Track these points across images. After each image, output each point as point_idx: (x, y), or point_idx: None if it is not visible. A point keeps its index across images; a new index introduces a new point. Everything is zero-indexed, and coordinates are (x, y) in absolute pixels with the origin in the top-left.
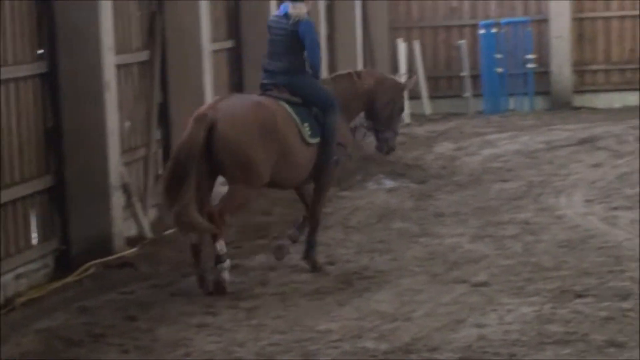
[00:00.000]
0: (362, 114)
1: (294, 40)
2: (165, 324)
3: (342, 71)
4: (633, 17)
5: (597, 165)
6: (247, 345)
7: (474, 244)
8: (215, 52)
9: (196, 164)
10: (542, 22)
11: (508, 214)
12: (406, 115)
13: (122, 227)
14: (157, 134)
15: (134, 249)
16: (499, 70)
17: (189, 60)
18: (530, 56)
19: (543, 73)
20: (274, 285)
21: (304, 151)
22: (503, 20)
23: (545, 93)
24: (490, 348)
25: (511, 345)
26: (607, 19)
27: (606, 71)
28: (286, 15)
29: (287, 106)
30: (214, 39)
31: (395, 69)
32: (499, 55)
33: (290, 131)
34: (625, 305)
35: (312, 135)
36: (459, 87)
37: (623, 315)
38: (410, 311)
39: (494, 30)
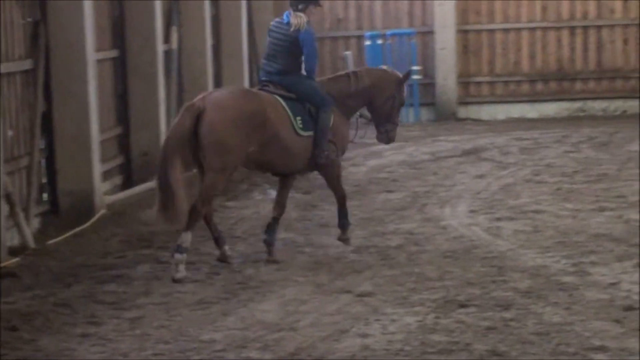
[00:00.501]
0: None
1: (292, 46)
2: (47, 334)
3: (339, 72)
4: (517, 29)
5: (481, 177)
6: (131, 356)
7: (358, 254)
8: (100, 61)
9: (183, 149)
10: (427, 33)
11: (393, 224)
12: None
13: (5, 236)
14: (40, 143)
15: (17, 259)
16: None
17: (73, 69)
18: (415, 67)
19: (428, 84)
20: (157, 295)
21: (297, 141)
22: (388, 31)
23: (431, 104)
24: (374, 358)
25: (394, 355)
26: (491, 31)
27: (490, 83)
28: (288, 23)
29: (281, 100)
30: (98, 48)
31: None
32: (384, 67)
33: (282, 122)
34: (507, 315)
35: (305, 129)
36: None
37: (505, 325)
38: (295, 321)
39: (379, 41)
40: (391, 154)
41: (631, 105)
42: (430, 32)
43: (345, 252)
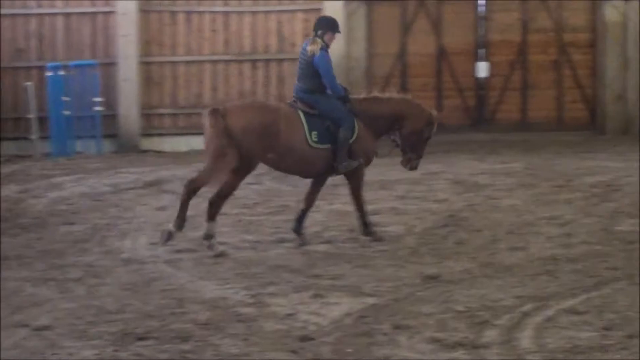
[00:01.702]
0: None
1: (311, 68)
2: None
3: (377, 94)
4: (199, 62)
5: (162, 209)
6: None
7: (37, 288)
8: None
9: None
10: (110, 65)
11: (73, 257)
12: None
13: None
14: None
15: None
16: (67, 112)
17: None
18: (97, 99)
19: (111, 116)
20: None
21: (309, 152)
22: (71, 63)
23: (113, 136)
24: None
25: None
26: (174, 63)
27: (173, 115)
28: (306, 49)
29: (301, 114)
30: None
31: None
32: (66, 98)
33: (296, 134)
34: (186, 347)
35: (320, 142)
36: (26, 129)
37: (183, 357)
38: None
39: (62, 72)
40: (72, 186)
41: None
42: (113, 64)
43: (24, 286)
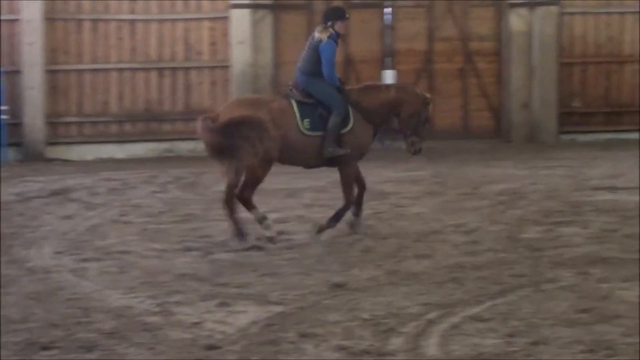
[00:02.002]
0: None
1: (315, 54)
2: None
3: (373, 82)
4: (105, 70)
5: (68, 217)
6: None
7: None
8: None
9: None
10: (15, 73)
11: None
12: None
13: None
14: None
15: None
16: None
17: None
18: (2, 107)
19: (16, 124)
20: None
21: (301, 139)
22: None
23: (18, 144)
24: None
25: None
26: (80, 71)
27: (79, 123)
28: (314, 36)
29: (294, 103)
30: None
31: None
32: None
33: (288, 123)
34: (91, 356)
35: (312, 129)
36: None
37: None
38: None
39: None
40: None
41: None
42: (18, 72)
43: None
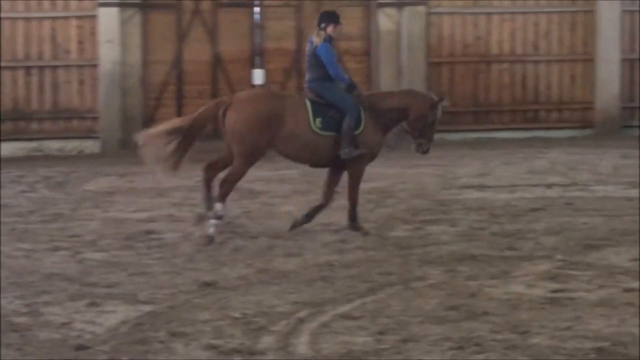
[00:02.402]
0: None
1: (315, 59)
2: None
3: (383, 90)
4: None
5: None
6: None
7: None
8: None
9: (202, 128)
10: None
11: None
12: None
13: None
14: None
15: None
16: None
17: None
18: None
19: None
20: None
21: (313, 138)
22: None
23: None
24: None
25: None
26: None
27: None
28: (311, 41)
29: (307, 102)
30: None
31: None
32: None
33: (300, 120)
34: None
35: (323, 129)
36: None
37: None
38: None
39: None
40: None
41: (87, 145)
42: None
43: None
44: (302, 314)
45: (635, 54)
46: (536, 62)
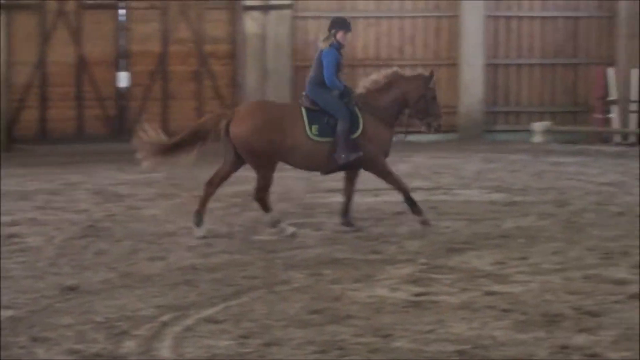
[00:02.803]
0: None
1: (319, 62)
2: None
3: (373, 86)
4: None
5: None
6: None
7: None
8: None
9: (199, 138)
10: None
11: None
12: None
13: None
14: None
15: None
16: None
17: None
18: None
19: None
20: None
21: (310, 144)
22: None
23: None
24: None
25: None
26: None
27: None
28: (317, 46)
29: (303, 110)
30: None
31: None
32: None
33: (297, 129)
34: None
35: (320, 135)
36: None
37: None
38: None
39: None
40: None
41: None
42: None
43: None
44: (165, 317)
45: (498, 59)
46: (401, 66)
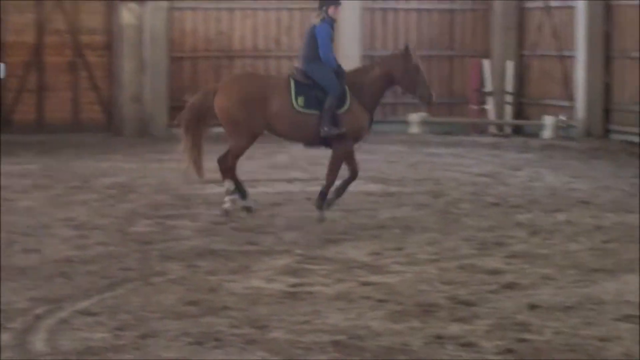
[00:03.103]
0: None
1: (311, 38)
2: None
3: (361, 66)
4: None
5: None
6: None
7: None
8: None
9: (198, 119)
10: None
11: None
12: None
13: None
14: None
15: None
16: None
17: None
18: None
19: None
20: None
21: (296, 116)
22: None
23: None
24: None
25: None
26: None
27: None
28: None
29: (292, 82)
30: None
31: None
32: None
33: (283, 100)
34: None
35: (305, 107)
36: None
37: None
38: None
39: None
40: None
41: None
42: None
43: None
44: (39, 310)
45: (375, 51)
46: (278, 57)
